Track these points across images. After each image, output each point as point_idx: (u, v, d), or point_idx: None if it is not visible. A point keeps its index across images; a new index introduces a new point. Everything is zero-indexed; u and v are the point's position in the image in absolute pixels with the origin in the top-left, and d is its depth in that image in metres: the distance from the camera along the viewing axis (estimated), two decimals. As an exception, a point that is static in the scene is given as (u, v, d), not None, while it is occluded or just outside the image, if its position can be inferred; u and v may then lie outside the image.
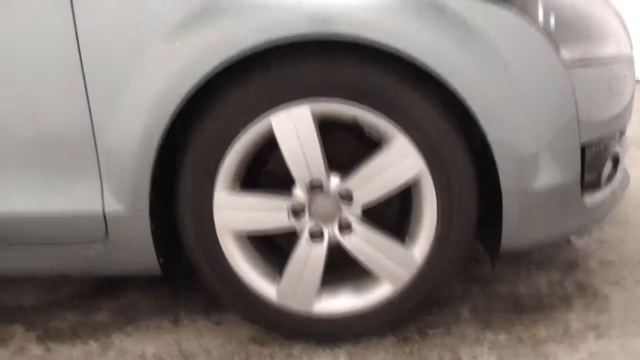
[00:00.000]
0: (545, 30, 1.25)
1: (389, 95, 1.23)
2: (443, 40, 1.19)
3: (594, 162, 1.43)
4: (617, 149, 1.53)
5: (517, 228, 1.33)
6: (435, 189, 1.29)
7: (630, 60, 1.52)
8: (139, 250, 1.37)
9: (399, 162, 1.27)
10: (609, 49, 1.42)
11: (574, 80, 1.28)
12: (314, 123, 1.25)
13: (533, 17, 1.25)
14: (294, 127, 1.25)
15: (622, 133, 1.54)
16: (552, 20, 1.28)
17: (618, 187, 1.57)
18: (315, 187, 1.30)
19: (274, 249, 1.45)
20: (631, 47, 1.56)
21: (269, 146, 1.31)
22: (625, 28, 1.55)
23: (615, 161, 1.53)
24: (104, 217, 1.33)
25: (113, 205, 1.31)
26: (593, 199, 1.44)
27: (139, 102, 1.23)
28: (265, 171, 1.39)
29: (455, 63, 1.20)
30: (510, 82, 1.23)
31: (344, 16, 1.17)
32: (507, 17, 1.22)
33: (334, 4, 1.17)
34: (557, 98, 1.28)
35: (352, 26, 1.17)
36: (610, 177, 1.51)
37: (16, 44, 1.23)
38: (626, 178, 1.68)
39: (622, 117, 1.49)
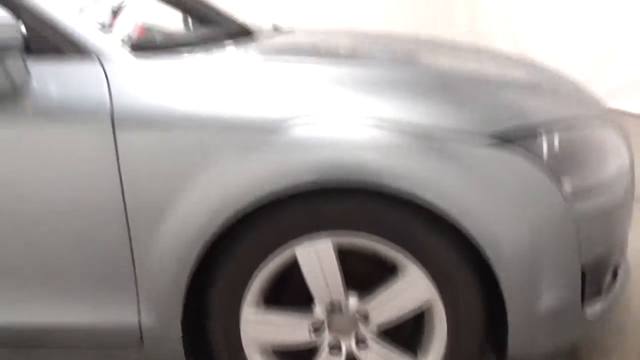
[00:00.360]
0: (548, 167, 1.36)
1: (404, 231, 1.34)
2: (451, 184, 1.30)
3: (594, 276, 1.52)
4: (617, 258, 1.62)
5: (522, 343, 1.43)
6: (446, 310, 1.40)
7: (630, 172, 1.62)
8: (169, 354, 1.48)
9: (412, 289, 1.38)
10: (609, 171, 1.52)
11: (575, 210, 1.39)
12: (335, 252, 1.36)
13: (537, 157, 1.35)
14: (316, 257, 1.36)
15: (622, 245, 1.64)
16: (555, 158, 1.38)
17: (619, 290, 1.67)
18: (334, 306, 1.41)
19: (295, 356, 1.56)
20: (631, 155, 1.66)
21: (291, 267, 1.42)
22: (623, 137, 1.64)
23: (615, 272, 1.62)
24: (140, 327, 1.44)
25: (148, 317, 1.43)
26: (594, 309, 1.53)
27: (176, 231, 1.35)
28: (289, 288, 1.50)
29: (463, 204, 1.30)
30: (516, 218, 1.34)
31: (359, 166, 1.29)
32: (511, 160, 1.33)
33: (354, 154, 1.29)
34: (559, 229, 1.38)
35: (366, 174, 1.29)
36: (610, 287, 1.61)
37: (64, 178, 1.35)
38: (627, 274, 1.77)
39: (622, 233, 1.59)
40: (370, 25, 4.06)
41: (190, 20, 2.29)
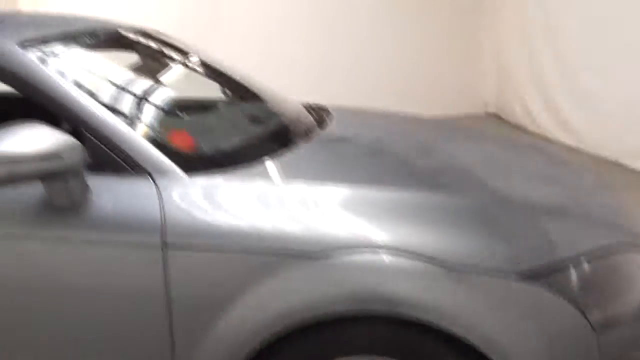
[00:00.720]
0: (575, 300, 1.41)
1: (431, 358, 1.40)
2: (479, 318, 1.36)
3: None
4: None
5: None
6: None
7: None
8: None
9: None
10: (637, 296, 1.56)
11: (601, 338, 1.43)
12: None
13: (564, 290, 1.41)
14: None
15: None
16: (582, 290, 1.44)
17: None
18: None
19: None
20: None
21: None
22: None
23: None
24: None
25: None
26: None
27: (216, 347, 1.42)
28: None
29: (491, 337, 1.36)
30: (541, 348, 1.39)
31: (389, 298, 1.36)
32: (538, 294, 1.39)
33: (385, 287, 1.37)
34: (585, 356, 1.43)
35: (395, 307, 1.36)
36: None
37: (114, 288, 1.45)
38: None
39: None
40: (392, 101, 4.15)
41: (229, 95, 2.37)
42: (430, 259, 1.38)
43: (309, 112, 2.31)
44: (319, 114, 2.31)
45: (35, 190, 1.44)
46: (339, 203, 1.49)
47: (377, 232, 1.42)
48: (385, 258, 1.38)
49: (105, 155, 1.50)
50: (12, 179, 1.34)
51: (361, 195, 1.53)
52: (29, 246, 1.47)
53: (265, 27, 5.83)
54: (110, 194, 1.48)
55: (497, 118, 6.30)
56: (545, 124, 5.43)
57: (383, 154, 1.91)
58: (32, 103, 1.56)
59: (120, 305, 1.45)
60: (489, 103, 6.50)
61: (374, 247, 1.39)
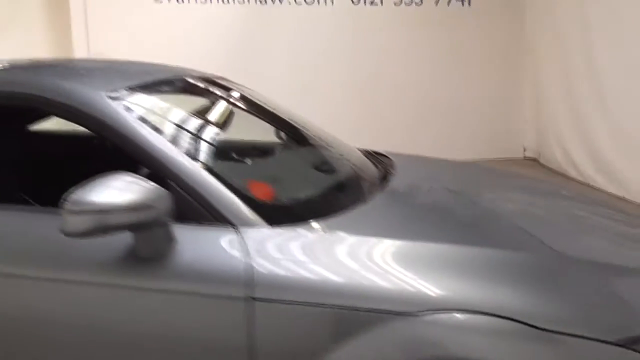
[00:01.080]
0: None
1: None
2: None
3: None
4: None
5: None
6: None
7: None
8: None
9: None
10: None
11: None
12: None
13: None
14: None
15: None
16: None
17: None
18: None
19: None
20: None
21: None
22: None
23: None
24: None
25: None
26: None
27: None
28: None
29: None
30: None
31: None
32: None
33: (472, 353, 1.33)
34: None
35: None
36: None
37: (197, 336, 1.44)
38: None
39: None
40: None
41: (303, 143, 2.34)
42: (523, 322, 1.33)
43: (370, 160, 2.31)
44: (382, 162, 2.31)
45: (119, 239, 1.45)
46: (425, 261, 1.47)
47: (466, 293, 1.39)
48: (475, 320, 1.35)
49: (190, 205, 1.51)
50: (103, 230, 1.36)
51: (443, 252, 1.51)
52: (112, 294, 1.48)
53: (304, 70, 5.93)
54: (194, 244, 1.48)
55: (536, 163, 6.24)
56: (587, 171, 5.34)
57: (454, 207, 1.90)
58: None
59: (202, 356, 1.44)
60: (528, 148, 6.45)
61: (463, 309, 1.36)
